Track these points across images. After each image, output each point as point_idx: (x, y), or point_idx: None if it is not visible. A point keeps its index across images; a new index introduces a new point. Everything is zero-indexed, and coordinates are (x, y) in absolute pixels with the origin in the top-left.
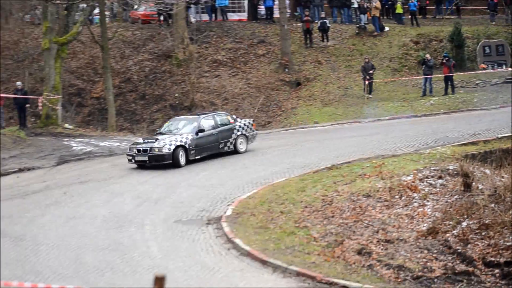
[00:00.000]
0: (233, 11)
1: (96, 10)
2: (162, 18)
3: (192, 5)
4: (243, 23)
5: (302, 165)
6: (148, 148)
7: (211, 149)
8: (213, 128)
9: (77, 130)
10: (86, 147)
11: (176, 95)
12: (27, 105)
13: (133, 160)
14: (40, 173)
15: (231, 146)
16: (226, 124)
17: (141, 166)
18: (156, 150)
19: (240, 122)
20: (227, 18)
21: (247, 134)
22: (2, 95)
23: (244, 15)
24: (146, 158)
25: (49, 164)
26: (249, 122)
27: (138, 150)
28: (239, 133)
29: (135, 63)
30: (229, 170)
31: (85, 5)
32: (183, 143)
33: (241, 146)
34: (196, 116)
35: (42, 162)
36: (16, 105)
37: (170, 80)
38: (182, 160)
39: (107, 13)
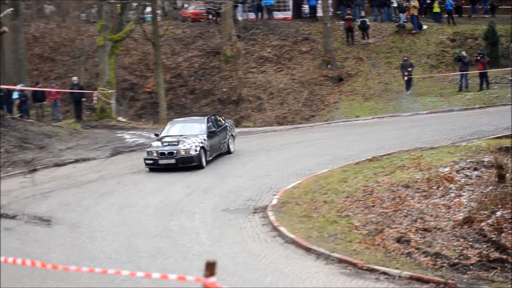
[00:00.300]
0: (278, 10)
1: (148, 9)
2: (211, 16)
3: (239, 4)
4: (287, 21)
5: (344, 156)
6: (174, 151)
7: (218, 150)
8: (216, 129)
9: (130, 123)
10: (139, 139)
11: (224, 89)
12: (83, 99)
13: (155, 164)
14: (95, 164)
15: (226, 147)
16: (221, 126)
17: (165, 169)
18: (183, 153)
19: (228, 122)
20: (273, 16)
21: (234, 134)
22: (59, 89)
23: (288, 14)
24: (173, 161)
25: (103, 155)
26: (232, 123)
27: (162, 153)
28: (229, 133)
29: (185, 59)
30: (275, 161)
31: (137, 4)
32: (203, 145)
33: (232, 146)
34: (201, 117)
35: (97, 153)
36: (72, 99)
37: (218, 76)
38: (204, 161)
39: (158, 11)
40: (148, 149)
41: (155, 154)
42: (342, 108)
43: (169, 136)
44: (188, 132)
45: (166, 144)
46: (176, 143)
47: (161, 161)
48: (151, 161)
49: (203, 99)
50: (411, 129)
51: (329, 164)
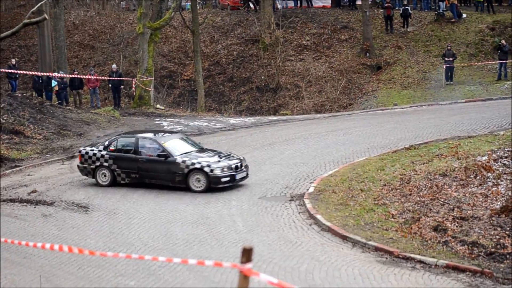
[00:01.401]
0: None
1: None
2: (250, 4)
3: None
4: (326, 10)
5: (381, 145)
6: (240, 164)
7: None
8: None
9: (168, 110)
10: (176, 126)
11: (263, 77)
12: (122, 87)
13: (232, 181)
14: None
15: None
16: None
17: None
18: (245, 164)
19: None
20: (312, 4)
21: None
22: (98, 77)
23: (327, 2)
24: (246, 172)
25: None
26: None
27: (236, 167)
28: None
29: (223, 47)
30: (312, 149)
31: None
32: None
33: None
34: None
35: None
36: (111, 86)
37: (256, 64)
38: None
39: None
40: (215, 167)
41: (230, 172)
42: (380, 97)
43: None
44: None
45: (226, 157)
46: (233, 156)
47: (239, 175)
48: (228, 178)
49: (241, 87)
50: (449, 117)
51: (366, 152)
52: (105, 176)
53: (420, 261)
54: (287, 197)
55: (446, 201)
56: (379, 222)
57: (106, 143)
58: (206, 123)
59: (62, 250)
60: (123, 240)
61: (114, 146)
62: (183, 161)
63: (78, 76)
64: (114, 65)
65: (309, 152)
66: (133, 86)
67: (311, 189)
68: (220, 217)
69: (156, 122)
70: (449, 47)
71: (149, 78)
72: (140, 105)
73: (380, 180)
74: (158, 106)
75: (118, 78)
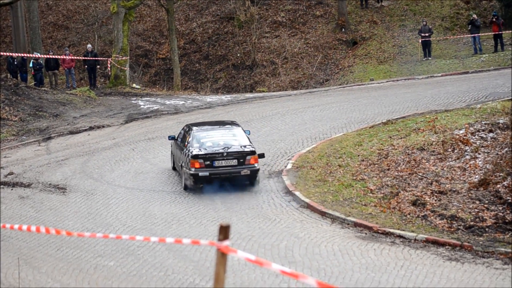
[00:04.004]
0: None
1: None
2: None
3: None
4: None
5: (358, 120)
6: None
7: None
8: None
9: (144, 90)
10: (153, 105)
11: (238, 55)
12: (97, 67)
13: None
14: (110, 131)
15: None
16: None
17: None
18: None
19: None
20: None
21: None
22: (73, 57)
23: None
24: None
25: (118, 122)
26: None
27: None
28: None
29: (198, 25)
30: (289, 126)
31: None
32: None
33: None
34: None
35: (111, 120)
36: (86, 66)
37: (232, 41)
38: None
39: None
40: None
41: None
42: (356, 72)
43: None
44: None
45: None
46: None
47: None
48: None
49: (217, 65)
50: (425, 91)
51: (343, 128)
52: None
53: (400, 236)
54: (265, 174)
55: (424, 175)
56: (358, 197)
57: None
58: (183, 102)
59: (39, 231)
60: (101, 220)
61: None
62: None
63: (54, 57)
64: (89, 45)
65: (286, 128)
66: (109, 66)
67: (289, 166)
68: (199, 196)
69: (133, 101)
70: (424, 23)
71: (124, 58)
72: (116, 84)
73: (358, 155)
74: (134, 85)
75: (93, 58)
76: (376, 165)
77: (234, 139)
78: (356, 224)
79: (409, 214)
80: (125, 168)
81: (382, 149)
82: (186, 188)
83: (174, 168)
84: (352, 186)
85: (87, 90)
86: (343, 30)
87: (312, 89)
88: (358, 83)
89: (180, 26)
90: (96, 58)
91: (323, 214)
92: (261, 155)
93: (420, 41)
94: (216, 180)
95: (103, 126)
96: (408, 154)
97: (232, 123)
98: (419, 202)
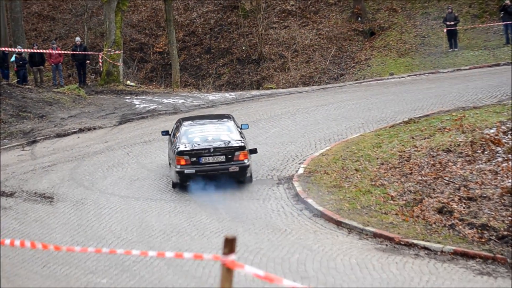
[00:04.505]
0: None
1: None
2: None
3: None
4: None
5: (377, 119)
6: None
7: None
8: None
9: (139, 87)
10: (149, 104)
11: (244, 48)
12: (87, 62)
13: None
14: (101, 133)
15: None
16: None
17: None
18: None
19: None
20: None
21: None
22: (61, 51)
23: None
24: None
25: (110, 123)
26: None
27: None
28: None
29: (199, 15)
30: (300, 126)
31: None
32: None
33: None
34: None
35: (103, 121)
36: (75, 62)
37: (236, 33)
38: None
39: None
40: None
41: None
42: (375, 65)
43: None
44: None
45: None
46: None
47: None
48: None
49: (220, 59)
50: (452, 86)
51: (360, 128)
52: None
53: (424, 248)
54: (274, 180)
55: (451, 180)
56: (377, 205)
57: (239, 130)
58: (182, 100)
59: (23, 246)
60: (93, 233)
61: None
62: (244, 128)
63: (38, 51)
64: (77, 38)
65: (297, 129)
66: (100, 61)
67: (301, 171)
68: (201, 204)
69: (127, 100)
70: (450, 10)
71: (117, 52)
72: (108, 82)
73: (377, 158)
74: (128, 82)
75: (83, 53)
76: (397, 169)
77: (224, 134)
78: (375, 235)
79: (434, 223)
80: (119, 174)
81: (404, 151)
82: (174, 186)
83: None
84: (370, 192)
85: (76, 88)
86: (359, 19)
87: (325, 85)
88: (376, 78)
89: (178, 16)
90: (86, 53)
91: (338, 223)
92: (253, 151)
93: (445, 30)
94: (203, 177)
95: (94, 128)
96: (433, 157)
97: (226, 116)
98: (445, 209)
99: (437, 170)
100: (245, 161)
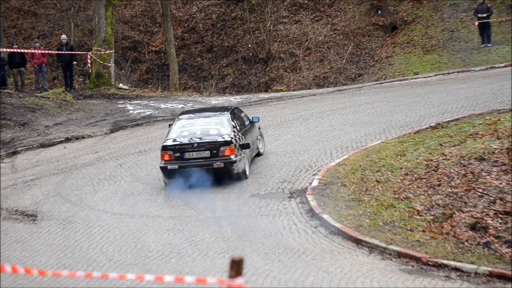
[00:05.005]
0: None
1: None
2: None
3: None
4: None
5: (400, 124)
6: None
7: None
8: None
9: (133, 91)
10: (145, 110)
11: (250, 46)
12: (74, 63)
13: None
14: (91, 143)
15: None
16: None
17: None
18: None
19: None
20: None
21: None
22: (44, 51)
23: None
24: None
25: (101, 131)
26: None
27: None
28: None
29: (200, 9)
30: (314, 133)
31: None
32: None
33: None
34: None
35: (92, 129)
36: (60, 62)
37: (241, 29)
38: None
39: None
40: None
41: None
42: (397, 64)
43: None
44: None
45: None
46: None
47: None
48: None
49: (223, 59)
50: (484, 87)
51: (382, 134)
52: (247, 163)
53: (456, 269)
54: (286, 193)
55: (485, 192)
56: (402, 220)
57: (233, 124)
58: (182, 105)
59: (3, 271)
60: (82, 255)
61: (238, 125)
62: (254, 121)
63: (19, 51)
64: (63, 36)
65: (310, 136)
66: (89, 61)
67: (315, 183)
68: (203, 221)
69: (119, 105)
70: (481, 0)
71: (108, 51)
72: (98, 85)
73: (401, 168)
74: (120, 85)
75: (69, 52)
76: (424, 180)
77: (214, 128)
78: (400, 254)
79: (467, 240)
80: (111, 189)
81: (431, 160)
82: (165, 184)
83: None
84: (394, 206)
85: (62, 92)
86: (380, 12)
87: (341, 87)
88: (399, 78)
89: (176, 11)
90: (73, 52)
91: (358, 242)
92: (245, 146)
93: (476, 23)
94: (186, 174)
95: (83, 137)
96: (464, 166)
97: (226, 109)
98: (479, 225)
99: (469, 181)
100: (232, 156)
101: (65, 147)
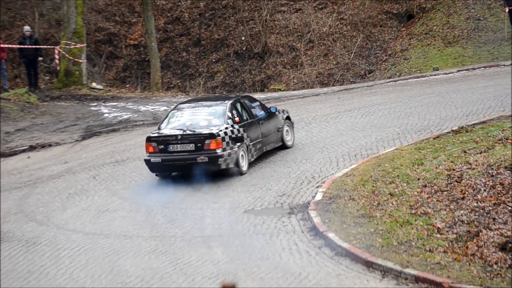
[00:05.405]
0: None
1: None
2: None
3: None
4: None
5: (417, 128)
6: None
7: None
8: None
9: (108, 91)
10: (122, 113)
11: (243, 38)
12: (39, 59)
13: None
14: (59, 152)
15: None
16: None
17: None
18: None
19: None
20: None
21: None
22: (4, 45)
23: None
24: None
25: (71, 138)
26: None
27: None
28: None
29: None
30: (318, 138)
31: None
32: None
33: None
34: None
35: (61, 136)
36: (23, 58)
37: (233, 19)
38: None
39: None
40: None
41: None
42: (413, 59)
43: None
44: None
45: None
46: None
47: None
48: None
49: (213, 53)
50: None
51: (396, 140)
52: (242, 158)
53: None
54: (285, 209)
55: None
56: (420, 240)
57: (229, 115)
58: (165, 107)
59: None
60: (49, 282)
61: (237, 116)
62: (278, 111)
63: None
64: (26, 28)
65: (313, 142)
66: (56, 57)
67: (319, 196)
68: (190, 241)
69: (92, 108)
70: None
71: (79, 45)
72: (67, 84)
73: (418, 179)
74: (94, 85)
75: (34, 46)
76: (445, 193)
77: (206, 119)
78: (418, 279)
79: (496, 263)
80: (82, 204)
81: (453, 170)
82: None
83: None
84: (410, 223)
85: (25, 92)
86: None
87: (349, 85)
88: (416, 74)
89: None
90: (38, 47)
91: (369, 264)
92: (238, 139)
93: (507, 10)
94: (170, 168)
95: (50, 145)
96: (492, 176)
97: (228, 99)
98: (510, 245)
99: (498, 193)
100: (217, 150)
101: (29, 157)
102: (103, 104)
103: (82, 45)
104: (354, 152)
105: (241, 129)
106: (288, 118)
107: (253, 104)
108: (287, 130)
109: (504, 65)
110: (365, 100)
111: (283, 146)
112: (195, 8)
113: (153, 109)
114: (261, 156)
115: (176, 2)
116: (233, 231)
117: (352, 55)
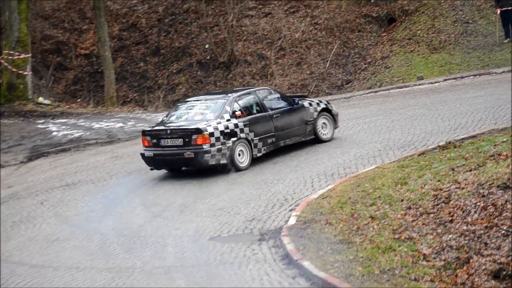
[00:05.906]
0: None
1: None
2: None
3: None
4: None
5: (400, 144)
6: None
7: None
8: None
9: (57, 106)
10: (73, 131)
11: (207, 46)
12: None
13: None
14: (3, 174)
15: None
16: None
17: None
18: None
19: None
20: None
21: None
22: None
23: None
24: None
25: (15, 160)
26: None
27: None
28: None
29: (142, 1)
30: (290, 156)
31: None
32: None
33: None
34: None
35: (4, 157)
36: None
37: (196, 25)
38: None
39: None
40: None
41: None
42: (396, 67)
43: None
44: None
45: None
46: None
47: None
48: None
49: (173, 63)
50: (509, 94)
51: (377, 157)
52: (242, 153)
53: None
54: (255, 235)
55: (511, 230)
56: (404, 268)
57: (228, 109)
58: (121, 124)
59: None
60: None
61: (239, 110)
62: (310, 104)
63: None
64: None
65: (285, 161)
66: None
67: (292, 221)
68: (150, 273)
69: (39, 126)
70: None
71: (23, 55)
72: (11, 99)
73: (402, 200)
74: (40, 100)
75: None
76: (432, 215)
77: (202, 112)
78: None
79: None
80: (29, 234)
81: (441, 189)
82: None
83: None
84: (393, 249)
85: None
86: (373, 0)
87: (325, 97)
88: (398, 84)
89: (112, 2)
90: None
91: None
92: (232, 134)
93: (498, 12)
94: (162, 162)
95: None
96: (483, 196)
97: (234, 92)
98: (504, 273)
99: (490, 215)
100: (204, 146)
101: None
102: (52, 121)
103: (26, 55)
104: (330, 171)
105: (240, 124)
106: (325, 110)
107: (271, 97)
108: (324, 123)
109: (495, 73)
110: (343, 113)
111: (317, 140)
112: (153, 13)
113: (108, 126)
114: (229, 177)
115: (132, 7)
116: (197, 260)
117: (327, 64)
